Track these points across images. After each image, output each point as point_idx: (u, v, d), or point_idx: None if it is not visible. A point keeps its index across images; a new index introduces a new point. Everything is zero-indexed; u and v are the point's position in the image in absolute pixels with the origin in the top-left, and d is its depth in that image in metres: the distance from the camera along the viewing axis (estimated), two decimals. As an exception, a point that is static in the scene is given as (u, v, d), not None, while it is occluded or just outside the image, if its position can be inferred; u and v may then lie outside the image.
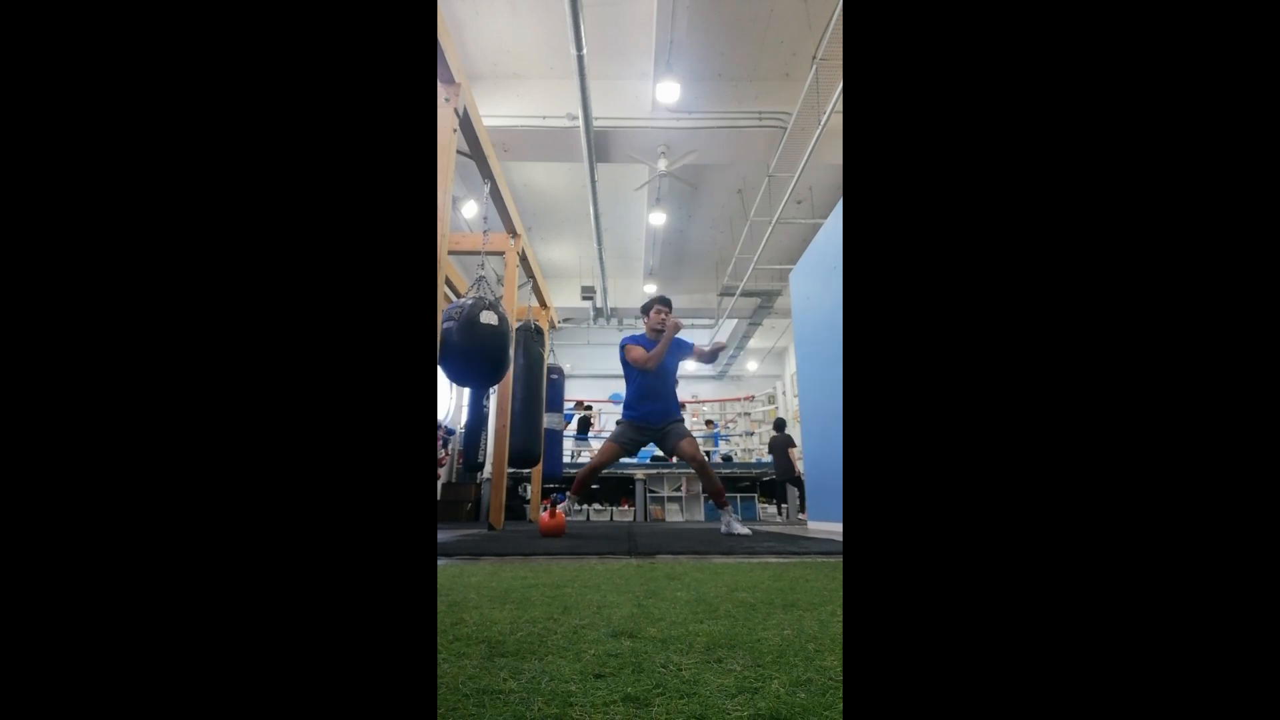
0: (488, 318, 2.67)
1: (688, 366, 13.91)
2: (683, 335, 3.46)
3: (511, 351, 2.91)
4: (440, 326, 2.69)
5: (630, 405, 3.28)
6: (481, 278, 2.87)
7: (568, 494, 3.16)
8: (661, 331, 3.24)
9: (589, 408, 9.07)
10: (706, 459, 3.30)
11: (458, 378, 2.88)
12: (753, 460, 8.88)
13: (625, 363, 3.29)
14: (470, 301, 2.71)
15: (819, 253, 3.83)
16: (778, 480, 7.11)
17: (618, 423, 3.34)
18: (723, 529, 3.13)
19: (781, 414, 8.88)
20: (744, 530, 3.09)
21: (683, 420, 3.35)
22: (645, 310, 3.37)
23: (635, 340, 3.30)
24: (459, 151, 2.74)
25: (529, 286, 4.72)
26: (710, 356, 3.39)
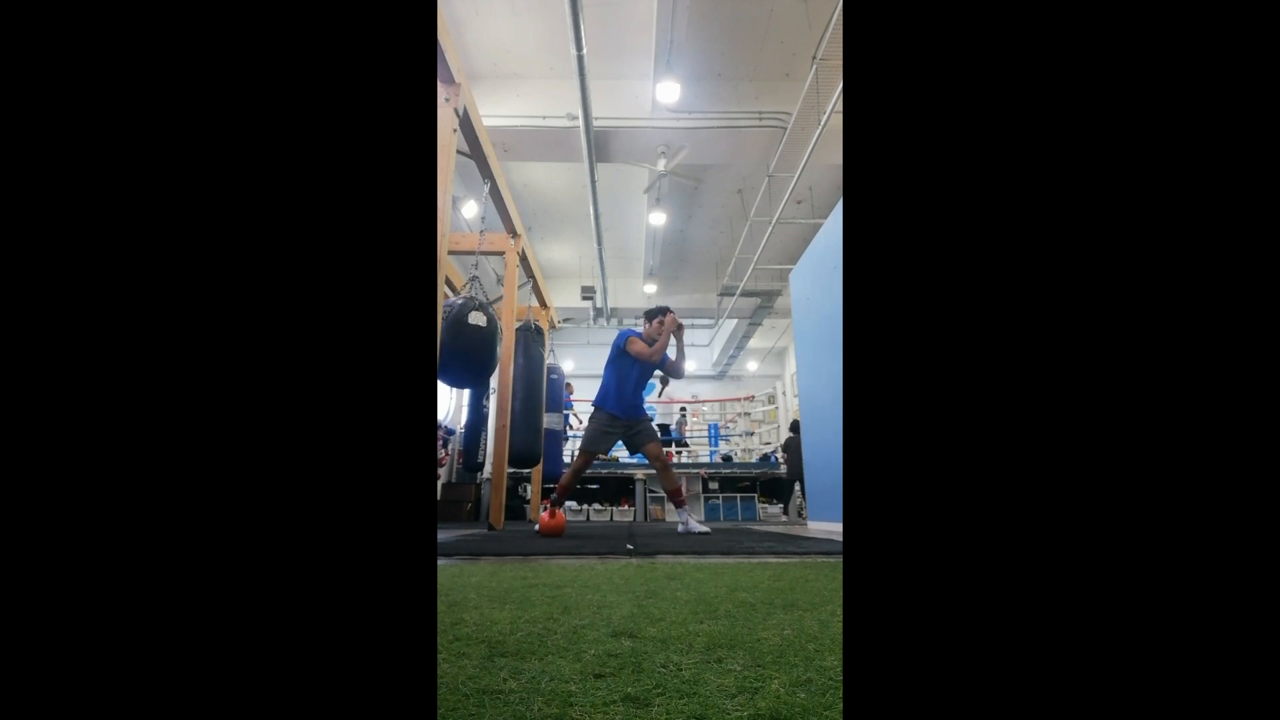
0: (475, 319, 2.68)
1: (687, 366, 13.90)
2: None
3: (499, 352, 2.90)
4: None
5: (610, 395, 3.34)
6: (475, 278, 2.87)
7: (554, 499, 3.18)
8: (656, 340, 3.34)
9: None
10: (669, 460, 3.41)
11: (442, 376, 2.88)
12: (753, 460, 8.88)
13: (621, 353, 3.34)
14: (460, 301, 2.71)
15: (819, 253, 3.84)
16: (787, 479, 7.12)
17: (592, 417, 3.39)
18: (680, 529, 3.17)
19: (781, 414, 8.88)
20: (703, 529, 3.15)
21: (650, 420, 3.46)
22: (649, 317, 3.44)
23: (637, 335, 3.39)
24: (459, 151, 2.74)
25: (529, 286, 4.72)
26: (679, 367, 3.44)
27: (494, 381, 3.96)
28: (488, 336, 2.73)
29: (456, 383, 3.16)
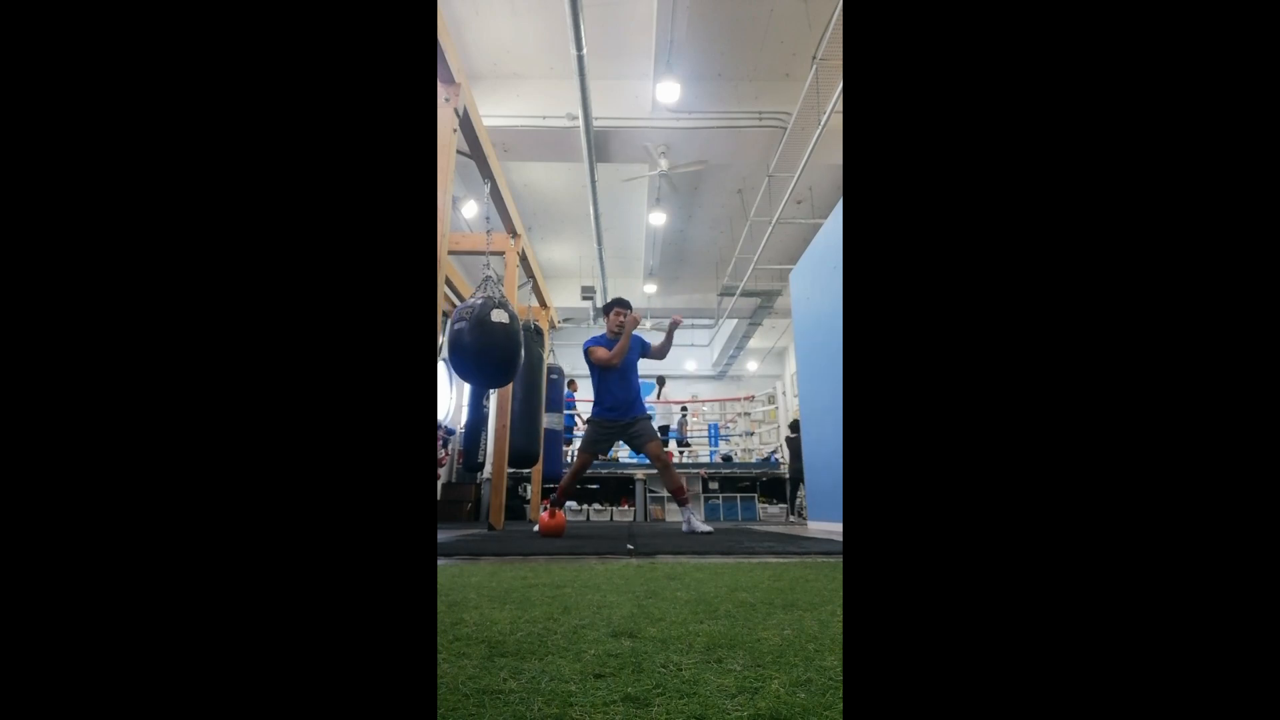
0: (498, 316, 2.69)
1: (687, 366, 13.93)
2: (642, 334, 3.52)
3: (522, 349, 2.93)
4: (452, 328, 2.70)
5: (598, 403, 3.37)
6: (488, 278, 2.88)
7: (554, 500, 3.19)
8: (619, 335, 3.33)
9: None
10: (670, 459, 3.43)
11: (472, 377, 2.90)
12: (753, 460, 8.88)
13: (590, 364, 3.37)
14: (480, 301, 2.72)
15: (819, 253, 3.83)
16: (791, 478, 7.14)
17: (587, 423, 3.42)
18: (684, 528, 3.18)
19: (781, 414, 8.89)
20: (705, 528, 3.16)
21: (649, 418, 3.46)
22: (605, 311, 3.43)
23: (597, 341, 3.38)
24: (459, 151, 2.74)
25: (529, 286, 4.72)
26: (663, 350, 3.42)
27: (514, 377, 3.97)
28: (513, 332, 2.75)
29: (485, 382, 3.18)
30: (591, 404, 3.41)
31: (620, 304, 3.41)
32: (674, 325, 3.35)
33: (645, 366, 3.76)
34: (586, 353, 3.35)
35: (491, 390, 4.85)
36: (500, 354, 2.72)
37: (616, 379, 3.33)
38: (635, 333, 3.37)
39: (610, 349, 3.30)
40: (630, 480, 7.27)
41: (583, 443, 3.39)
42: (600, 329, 11.65)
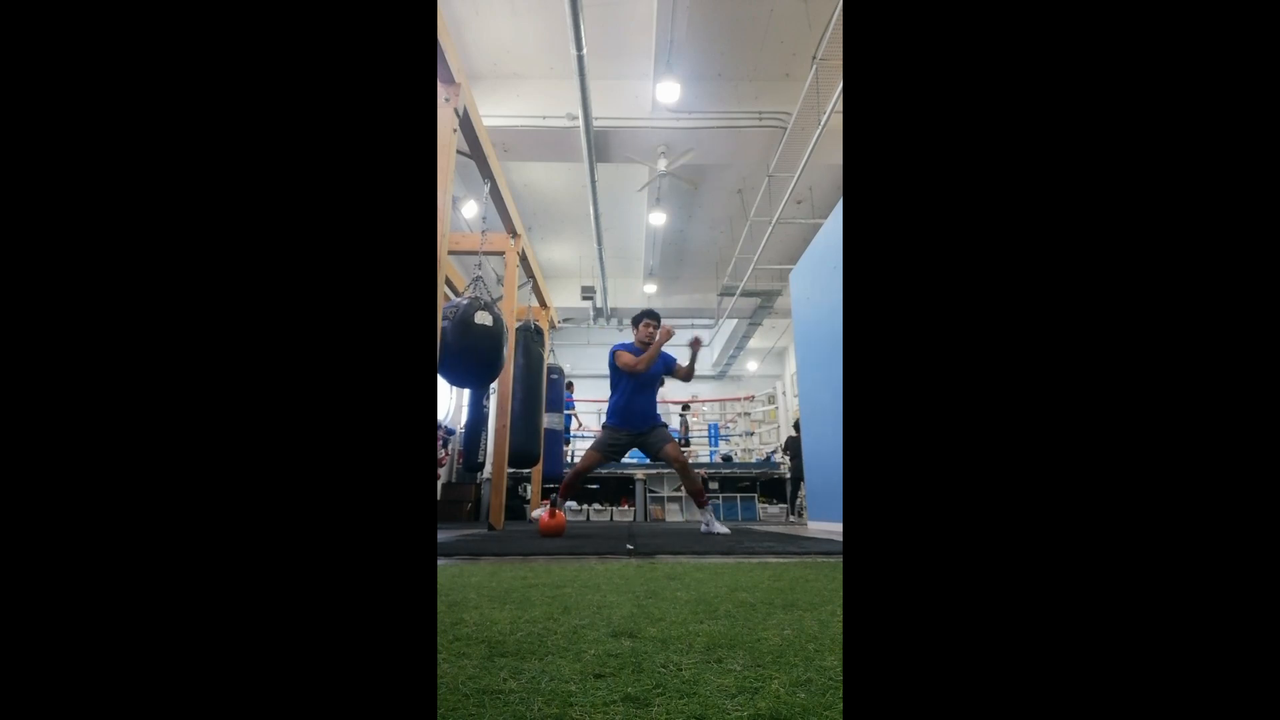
0: (482, 318, 2.69)
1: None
2: (668, 347, 3.51)
3: (505, 352, 2.92)
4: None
5: (614, 411, 3.37)
6: (478, 278, 2.88)
7: (556, 498, 3.19)
8: (649, 344, 3.33)
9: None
10: (688, 461, 3.44)
11: (450, 377, 2.90)
12: (752, 460, 8.88)
13: (614, 368, 3.36)
14: (466, 302, 2.72)
15: (819, 253, 3.84)
16: (792, 478, 7.14)
17: (603, 427, 3.43)
18: (702, 529, 3.21)
19: (781, 414, 8.90)
20: (723, 530, 3.17)
21: (665, 426, 3.47)
22: (635, 322, 3.44)
23: (625, 348, 3.37)
24: (459, 151, 2.75)
25: (529, 286, 4.72)
26: (689, 371, 3.42)
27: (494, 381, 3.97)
28: (495, 335, 2.74)
29: (463, 382, 3.18)
30: (597, 403, 3.41)
31: (650, 315, 3.40)
32: (696, 345, 3.34)
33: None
34: (613, 356, 3.33)
35: (491, 390, 4.85)
36: (481, 356, 2.71)
37: (634, 390, 3.31)
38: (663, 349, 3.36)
39: (638, 356, 3.29)
40: (630, 480, 7.27)
41: (595, 442, 3.39)
42: (600, 328, 11.55)
